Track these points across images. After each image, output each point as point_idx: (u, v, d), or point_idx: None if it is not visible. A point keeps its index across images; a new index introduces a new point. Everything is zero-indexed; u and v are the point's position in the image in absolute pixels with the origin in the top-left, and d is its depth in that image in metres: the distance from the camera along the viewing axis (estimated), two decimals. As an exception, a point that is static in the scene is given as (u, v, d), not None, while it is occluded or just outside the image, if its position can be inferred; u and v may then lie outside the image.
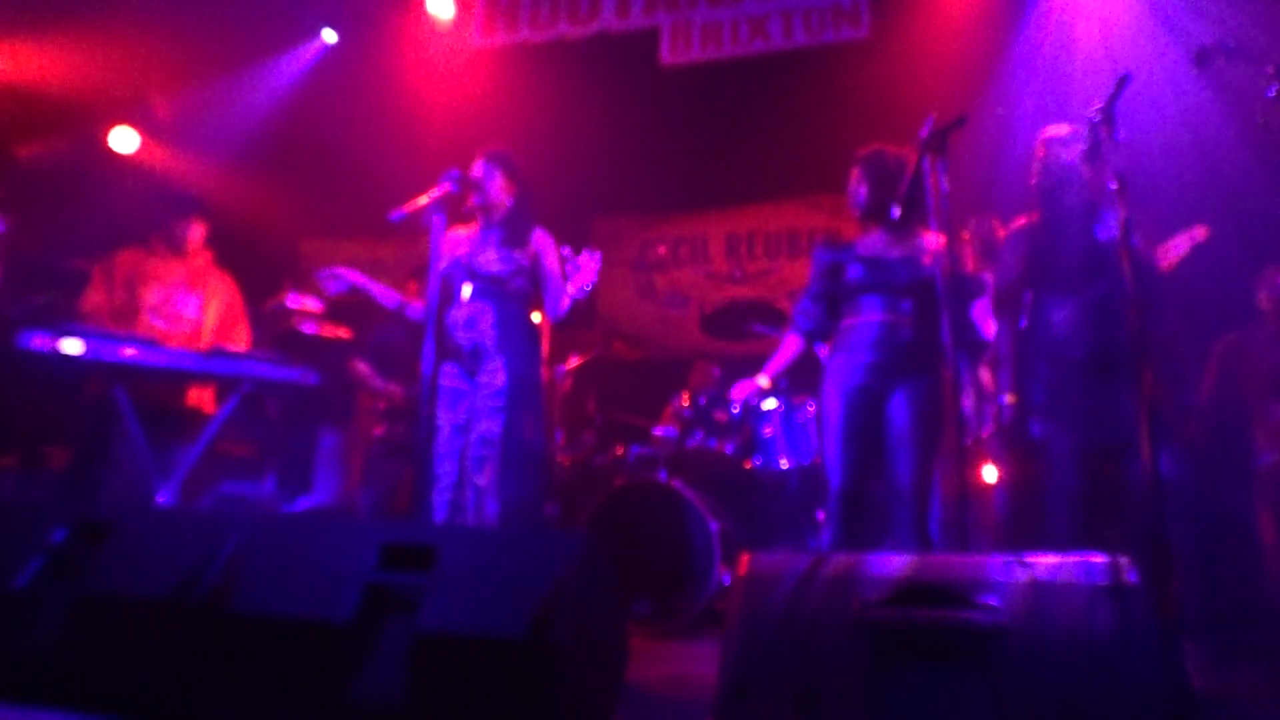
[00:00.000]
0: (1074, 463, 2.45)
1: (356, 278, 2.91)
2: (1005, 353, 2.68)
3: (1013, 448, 3.09)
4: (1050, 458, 2.49)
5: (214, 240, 3.69)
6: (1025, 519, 2.79)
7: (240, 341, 3.60)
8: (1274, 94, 2.12)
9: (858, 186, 2.65)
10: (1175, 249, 2.64)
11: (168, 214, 3.55)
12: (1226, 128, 3.00)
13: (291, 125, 5.13)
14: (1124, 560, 1.26)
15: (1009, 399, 2.58)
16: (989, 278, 2.77)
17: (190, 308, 3.52)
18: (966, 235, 3.68)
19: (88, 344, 2.83)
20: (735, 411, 2.71)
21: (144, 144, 5.16)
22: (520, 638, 1.34)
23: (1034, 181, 2.68)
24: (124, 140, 5.08)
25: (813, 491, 3.64)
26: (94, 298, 3.40)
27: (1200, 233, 2.65)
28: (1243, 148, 2.91)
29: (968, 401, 2.63)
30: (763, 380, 2.72)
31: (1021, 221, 2.70)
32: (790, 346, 2.74)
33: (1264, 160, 2.46)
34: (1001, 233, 3.36)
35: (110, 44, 4.63)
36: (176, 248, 3.53)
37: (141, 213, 3.75)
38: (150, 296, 3.43)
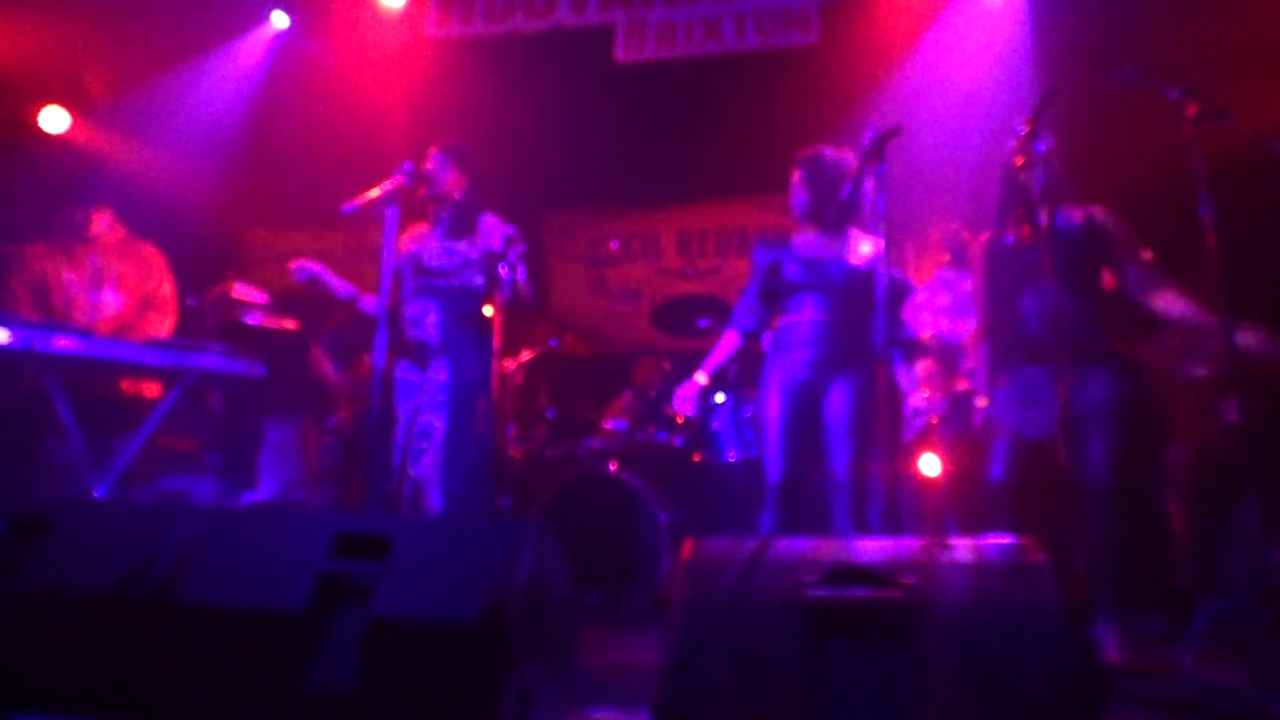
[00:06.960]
0: (1010, 453, 2.57)
1: (317, 269, 2.90)
2: (981, 359, 2.76)
3: (962, 439, 3.22)
4: (994, 448, 2.61)
5: (124, 217, 3.51)
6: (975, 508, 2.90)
7: (154, 327, 3.45)
8: (1191, 114, 2.26)
9: (799, 189, 2.74)
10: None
11: (66, 203, 3.41)
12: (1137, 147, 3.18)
13: (237, 112, 5.01)
14: (1032, 542, 1.37)
15: (980, 402, 2.67)
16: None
17: (106, 301, 3.40)
18: (935, 238, 3.81)
19: (17, 334, 2.73)
20: (689, 414, 2.77)
21: (79, 126, 4.96)
22: (472, 623, 1.38)
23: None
24: (54, 120, 4.88)
25: (760, 483, 3.74)
26: (10, 297, 3.28)
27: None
28: (1148, 168, 3.09)
29: (915, 395, 2.75)
30: (701, 378, 2.79)
31: (984, 237, 2.79)
32: (729, 343, 2.82)
33: (1168, 180, 2.62)
34: (968, 237, 3.49)
35: (45, 20, 4.44)
36: (80, 236, 3.40)
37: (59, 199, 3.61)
38: (63, 292, 3.31)
